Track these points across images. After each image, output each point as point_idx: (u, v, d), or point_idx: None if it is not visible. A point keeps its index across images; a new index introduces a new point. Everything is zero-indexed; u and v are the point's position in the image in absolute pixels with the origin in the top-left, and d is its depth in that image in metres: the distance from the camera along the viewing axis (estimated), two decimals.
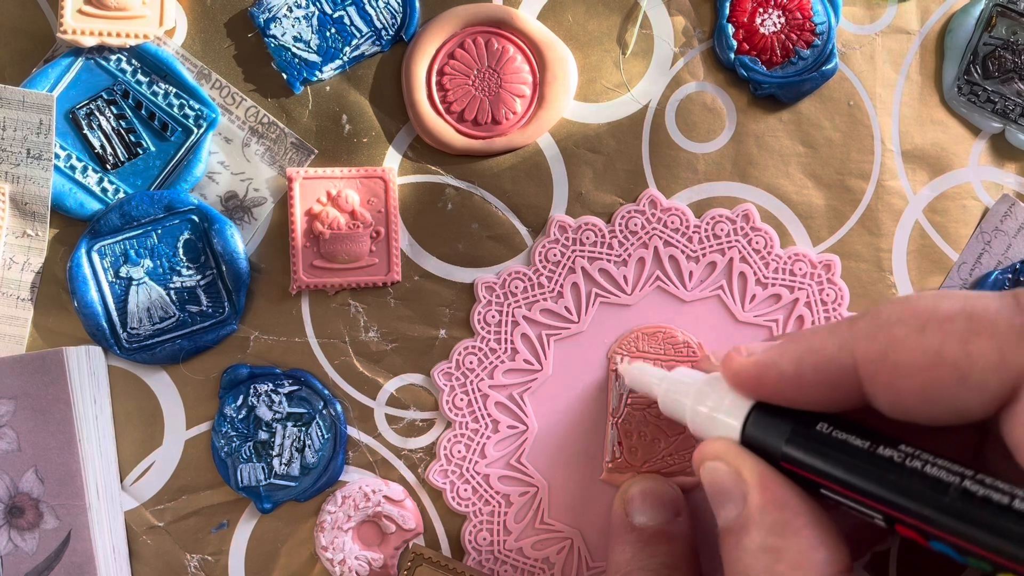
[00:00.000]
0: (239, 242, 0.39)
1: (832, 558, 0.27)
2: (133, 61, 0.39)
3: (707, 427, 0.31)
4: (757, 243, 0.39)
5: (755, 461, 0.29)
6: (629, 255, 0.39)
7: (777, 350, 0.29)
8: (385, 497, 0.38)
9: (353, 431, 0.39)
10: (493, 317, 0.39)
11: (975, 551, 0.24)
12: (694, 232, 0.39)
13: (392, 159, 0.39)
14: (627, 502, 0.37)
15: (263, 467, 0.39)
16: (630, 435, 0.38)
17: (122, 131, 0.39)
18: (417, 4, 0.39)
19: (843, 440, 0.27)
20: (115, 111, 0.39)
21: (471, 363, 0.39)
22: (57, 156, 0.38)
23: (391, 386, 0.39)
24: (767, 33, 0.39)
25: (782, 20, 0.39)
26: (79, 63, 0.39)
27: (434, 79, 0.39)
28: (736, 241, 0.39)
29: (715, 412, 0.31)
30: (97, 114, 0.39)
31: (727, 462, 0.29)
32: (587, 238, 0.39)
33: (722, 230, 0.39)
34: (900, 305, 0.26)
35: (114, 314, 0.38)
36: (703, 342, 0.39)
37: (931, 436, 0.27)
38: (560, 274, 0.39)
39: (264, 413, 0.39)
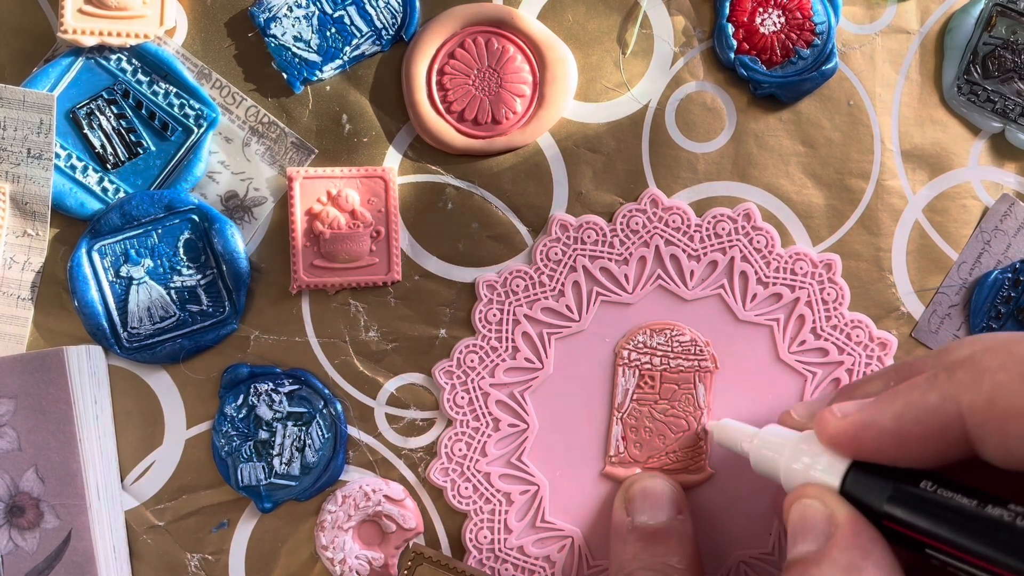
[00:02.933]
0: (239, 242, 0.39)
1: None
2: (133, 61, 0.39)
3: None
4: (758, 242, 0.39)
5: (851, 509, 0.29)
6: (630, 254, 0.39)
7: (875, 408, 0.29)
8: (385, 496, 0.38)
9: (353, 430, 0.39)
10: (494, 315, 0.39)
11: None
12: (695, 231, 0.39)
13: (392, 159, 0.39)
14: (628, 501, 0.37)
15: (263, 466, 0.39)
16: (635, 430, 0.38)
17: (122, 131, 0.39)
18: (417, 4, 0.39)
19: (949, 498, 0.27)
20: (115, 111, 0.39)
21: (472, 361, 0.39)
22: (57, 156, 0.38)
23: (391, 385, 0.39)
24: (767, 33, 0.39)
25: (782, 20, 0.39)
26: (79, 63, 0.39)
27: (434, 79, 0.39)
28: (737, 240, 0.39)
29: (811, 470, 0.30)
30: (97, 114, 0.39)
31: (825, 503, 0.29)
32: (588, 237, 0.39)
33: (723, 229, 0.39)
34: (999, 354, 0.26)
35: (114, 313, 0.38)
36: (706, 341, 0.39)
37: None
38: (561, 273, 0.39)
39: (264, 412, 0.39)
